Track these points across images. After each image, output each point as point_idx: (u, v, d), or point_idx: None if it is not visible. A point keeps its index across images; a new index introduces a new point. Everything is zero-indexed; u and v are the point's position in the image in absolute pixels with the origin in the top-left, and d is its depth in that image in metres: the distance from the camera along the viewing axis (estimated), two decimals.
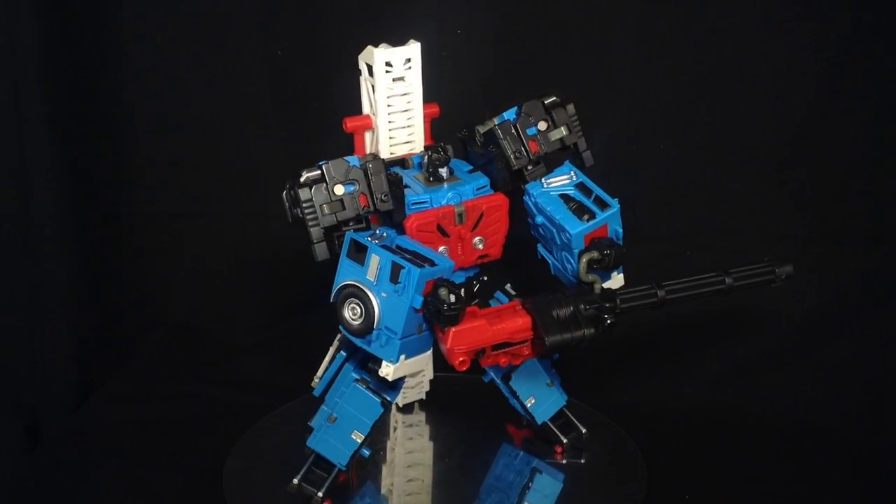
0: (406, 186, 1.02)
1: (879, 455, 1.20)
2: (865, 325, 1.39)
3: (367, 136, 1.08)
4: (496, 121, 1.04)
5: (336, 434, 1.03)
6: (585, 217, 1.01)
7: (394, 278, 0.92)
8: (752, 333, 1.40)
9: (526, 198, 1.04)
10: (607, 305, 0.94)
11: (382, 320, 0.93)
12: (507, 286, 1.03)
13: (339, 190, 0.96)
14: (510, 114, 1.04)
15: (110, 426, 1.28)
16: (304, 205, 0.95)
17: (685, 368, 1.41)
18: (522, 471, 1.13)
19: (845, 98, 1.38)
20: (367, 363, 1.01)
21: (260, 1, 1.46)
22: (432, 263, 0.93)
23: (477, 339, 0.92)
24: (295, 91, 1.50)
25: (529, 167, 1.04)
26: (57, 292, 1.42)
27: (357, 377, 1.03)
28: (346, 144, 1.07)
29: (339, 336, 1.04)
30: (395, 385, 1.04)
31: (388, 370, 0.95)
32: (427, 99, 1.07)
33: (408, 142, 1.08)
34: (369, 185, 0.97)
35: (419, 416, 1.28)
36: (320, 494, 1.04)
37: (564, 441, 1.15)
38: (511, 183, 1.05)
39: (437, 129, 1.11)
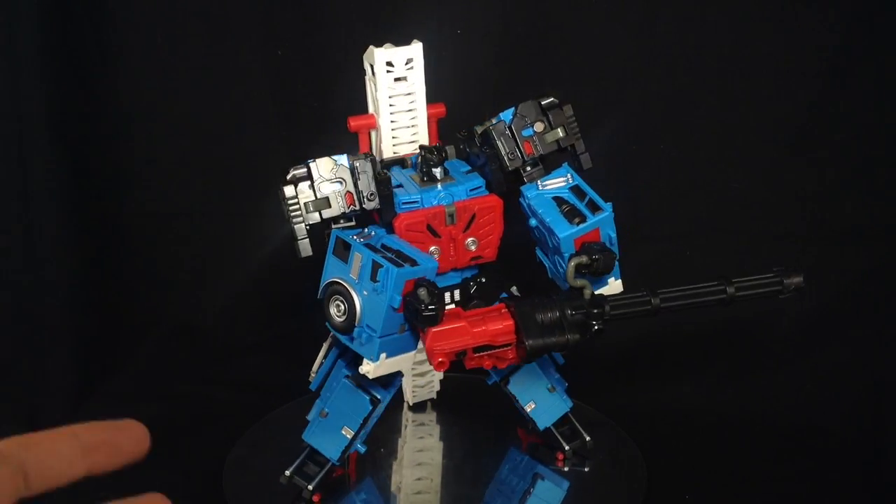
0: (399, 186, 1.03)
1: (879, 455, 1.20)
2: (865, 325, 1.39)
3: (373, 135, 1.09)
4: (493, 121, 1.04)
5: (327, 429, 1.04)
6: (576, 220, 0.99)
7: (373, 276, 0.93)
8: (753, 333, 1.40)
9: (521, 200, 1.04)
10: (595, 311, 0.93)
11: (363, 318, 0.94)
12: (513, 288, 1.03)
13: (326, 188, 0.98)
14: (507, 115, 1.04)
15: None
16: (288, 202, 0.97)
17: (685, 368, 1.41)
18: (526, 476, 1.13)
19: (845, 98, 1.38)
20: (359, 360, 1.01)
21: (260, 1, 1.46)
22: (414, 263, 0.94)
23: (457, 340, 0.92)
24: (295, 91, 1.50)
25: (528, 168, 1.04)
26: (57, 292, 1.42)
27: (348, 374, 1.03)
28: (346, 144, 1.07)
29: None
30: (390, 383, 1.04)
31: (368, 368, 0.95)
32: (429, 99, 1.07)
33: (412, 141, 1.08)
34: (356, 184, 0.98)
35: (430, 416, 1.28)
36: (310, 487, 1.04)
37: (566, 448, 1.13)
38: (508, 184, 1.04)
39: (439, 130, 1.11)
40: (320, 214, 0.98)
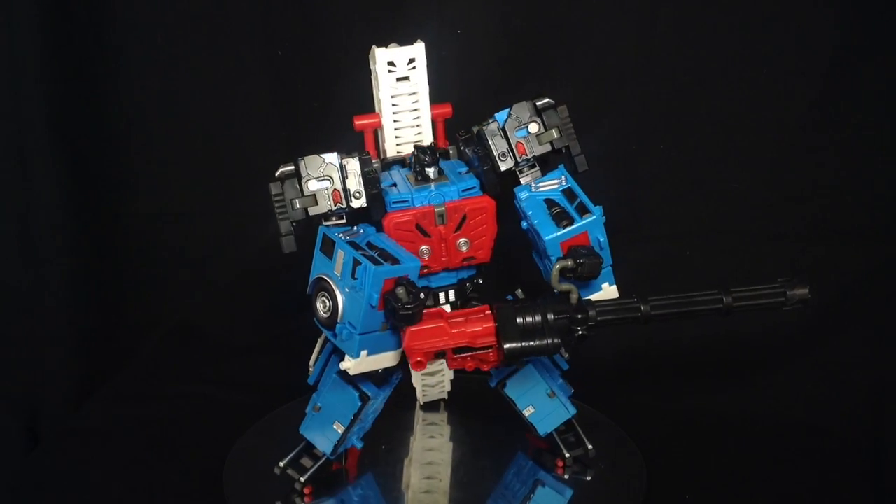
0: (394, 185, 1.03)
1: (879, 455, 1.20)
2: (865, 325, 1.39)
3: (379, 134, 1.09)
4: (489, 121, 1.03)
5: (320, 423, 1.05)
6: (564, 223, 0.98)
7: (354, 274, 0.93)
8: (753, 333, 1.40)
9: (515, 201, 1.03)
10: (579, 317, 0.92)
11: (345, 315, 0.94)
12: (518, 291, 1.02)
13: (314, 185, 0.99)
14: (501, 115, 1.03)
15: (110, 426, 1.28)
16: (273, 198, 0.98)
17: (685, 368, 1.41)
18: (527, 481, 1.11)
19: (845, 98, 1.38)
20: None
21: (260, 1, 1.46)
22: (396, 262, 0.94)
23: (435, 340, 0.92)
24: (295, 91, 1.50)
25: (526, 169, 1.04)
26: (57, 292, 1.43)
27: (340, 369, 1.04)
28: (347, 144, 1.07)
29: None
30: (385, 380, 1.05)
31: (348, 364, 0.96)
32: (431, 100, 1.07)
33: (416, 141, 1.08)
34: (343, 182, 0.99)
35: (441, 416, 1.27)
36: (302, 480, 1.05)
37: (566, 455, 1.11)
38: (501, 185, 1.04)
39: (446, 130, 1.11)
40: (306, 211, 0.99)
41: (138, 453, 1.20)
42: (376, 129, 1.08)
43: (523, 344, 0.91)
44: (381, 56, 1.04)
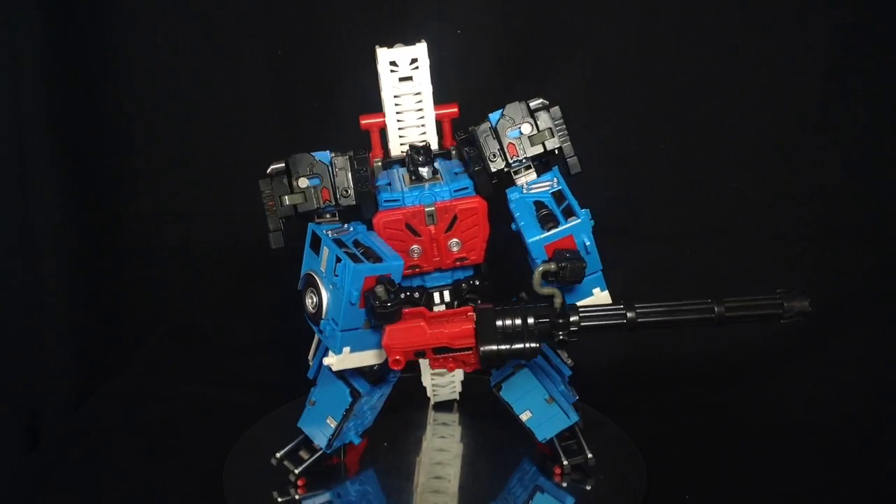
0: (388, 184, 1.03)
1: (879, 455, 1.20)
2: (865, 325, 1.39)
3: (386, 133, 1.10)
4: (484, 122, 1.03)
5: (315, 417, 1.07)
6: (549, 226, 0.97)
7: (336, 270, 0.94)
8: (753, 333, 1.40)
9: (507, 202, 1.03)
10: (560, 322, 0.91)
11: (329, 311, 0.95)
12: (522, 294, 1.02)
13: (304, 183, 1.01)
14: (495, 115, 1.03)
15: (110, 426, 1.28)
16: (263, 194, 1.01)
17: (685, 368, 1.41)
18: (528, 487, 1.10)
19: (845, 98, 1.38)
20: None
21: (260, 1, 1.46)
22: (378, 260, 0.94)
23: (413, 339, 0.92)
24: (295, 91, 1.50)
25: (522, 171, 1.03)
26: (57, 292, 1.42)
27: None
28: (347, 144, 1.07)
29: None
30: (380, 377, 1.05)
31: (331, 360, 0.97)
32: (434, 100, 1.08)
33: (421, 141, 1.08)
34: (332, 180, 1.00)
35: (454, 416, 1.27)
36: (296, 472, 1.07)
37: (564, 463, 1.09)
38: (494, 186, 1.03)
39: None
40: (295, 208, 1.01)
41: (138, 453, 1.20)
42: (382, 129, 1.09)
43: (499, 347, 0.90)
44: (383, 56, 1.05)
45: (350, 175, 1.01)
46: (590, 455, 1.10)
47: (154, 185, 1.55)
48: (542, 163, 1.04)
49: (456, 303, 1.06)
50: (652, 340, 1.40)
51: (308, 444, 1.09)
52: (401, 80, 1.06)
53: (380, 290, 0.91)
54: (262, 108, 1.52)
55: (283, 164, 1.01)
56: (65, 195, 1.42)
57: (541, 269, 0.92)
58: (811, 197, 1.42)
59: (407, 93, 1.07)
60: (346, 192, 1.01)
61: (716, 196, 1.44)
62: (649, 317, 0.91)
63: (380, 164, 1.08)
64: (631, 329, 0.91)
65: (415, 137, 1.09)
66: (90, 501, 1.12)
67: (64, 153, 1.41)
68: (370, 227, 1.01)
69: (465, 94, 1.36)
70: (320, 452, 1.07)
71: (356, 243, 0.97)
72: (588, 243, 0.97)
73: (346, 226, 1.01)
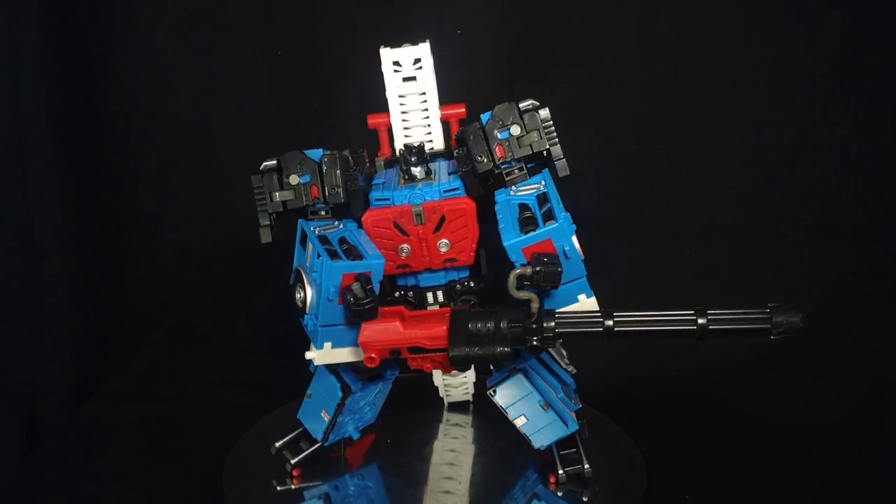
0: (383, 183, 1.04)
1: (879, 455, 1.20)
2: (865, 325, 1.39)
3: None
4: (475, 122, 1.02)
5: (311, 410, 1.09)
6: (529, 229, 0.93)
7: (314, 267, 0.95)
8: (752, 332, 1.40)
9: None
10: (533, 327, 0.89)
11: (312, 306, 0.96)
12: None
13: (294, 180, 1.02)
14: (486, 116, 1.02)
15: (110, 426, 1.28)
16: (254, 190, 1.02)
17: (685, 368, 1.41)
18: (528, 494, 1.09)
19: (845, 98, 1.38)
20: None
21: (260, 1, 1.46)
22: (359, 258, 0.94)
23: (387, 338, 0.93)
24: (295, 91, 1.50)
25: (515, 172, 1.01)
26: (57, 292, 1.42)
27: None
28: (347, 143, 1.07)
29: None
30: (374, 373, 1.05)
31: (312, 354, 0.98)
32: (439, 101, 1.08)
33: (427, 140, 1.09)
34: (321, 178, 1.01)
35: (466, 418, 1.27)
36: (292, 462, 1.08)
37: (560, 472, 1.06)
38: (483, 187, 1.02)
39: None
40: (284, 204, 1.02)
41: (138, 453, 1.20)
42: (389, 128, 1.10)
43: (468, 350, 0.90)
44: (386, 56, 1.06)
45: (339, 173, 1.01)
46: (587, 466, 1.06)
47: (154, 185, 1.55)
48: (540, 165, 1.04)
49: (452, 304, 1.06)
50: (651, 340, 1.40)
51: (309, 435, 1.10)
52: (405, 80, 1.07)
53: (356, 287, 0.92)
54: (262, 108, 1.52)
55: (275, 161, 1.03)
56: (65, 195, 1.42)
57: (516, 272, 0.90)
58: (811, 197, 1.42)
59: (411, 93, 1.07)
60: (335, 189, 1.01)
61: (716, 196, 1.45)
62: (628, 326, 0.89)
63: (382, 162, 1.09)
64: (609, 338, 0.89)
65: (420, 137, 1.09)
66: (90, 501, 1.12)
67: (64, 153, 1.41)
68: (360, 226, 1.01)
69: (465, 94, 1.37)
70: (317, 445, 1.09)
71: (342, 240, 0.97)
72: (567, 248, 0.94)
73: (335, 223, 1.01)
